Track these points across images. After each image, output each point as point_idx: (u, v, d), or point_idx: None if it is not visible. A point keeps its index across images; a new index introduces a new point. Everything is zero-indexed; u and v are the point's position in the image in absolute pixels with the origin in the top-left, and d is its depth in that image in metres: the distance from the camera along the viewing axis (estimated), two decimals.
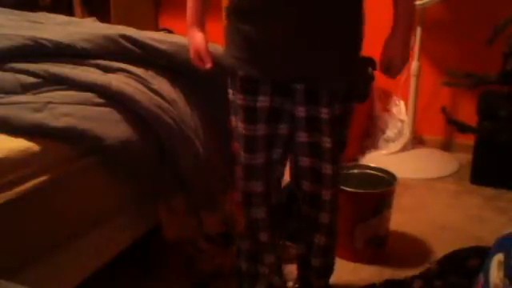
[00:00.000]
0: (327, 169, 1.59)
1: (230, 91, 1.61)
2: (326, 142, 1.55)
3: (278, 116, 1.57)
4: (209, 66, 1.64)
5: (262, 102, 1.53)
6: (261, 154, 1.59)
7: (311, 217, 1.68)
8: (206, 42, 1.65)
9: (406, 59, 1.58)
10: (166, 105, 1.75)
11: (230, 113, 1.64)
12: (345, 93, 1.56)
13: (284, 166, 1.69)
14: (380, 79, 3.06)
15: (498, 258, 1.43)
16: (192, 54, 1.68)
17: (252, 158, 1.59)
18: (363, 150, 3.14)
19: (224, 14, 1.61)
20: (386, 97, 3.25)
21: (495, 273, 1.41)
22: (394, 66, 1.58)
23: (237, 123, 1.61)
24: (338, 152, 1.61)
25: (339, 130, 1.58)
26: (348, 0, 1.50)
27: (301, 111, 1.54)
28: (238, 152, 1.63)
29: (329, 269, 1.80)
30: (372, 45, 1.67)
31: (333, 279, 1.98)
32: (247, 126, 1.57)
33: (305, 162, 1.61)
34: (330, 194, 1.63)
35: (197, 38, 1.65)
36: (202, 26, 1.67)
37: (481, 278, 1.50)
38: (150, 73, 1.84)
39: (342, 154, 1.65)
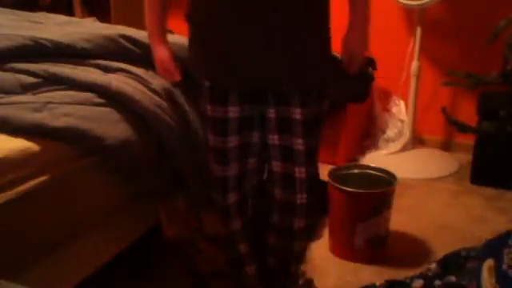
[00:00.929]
0: (301, 172, 1.54)
1: (200, 101, 1.57)
2: (299, 145, 1.51)
3: (249, 124, 1.54)
4: (177, 79, 1.59)
5: (233, 112, 1.50)
6: (233, 166, 1.56)
7: (285, 224, 1.63)
8: (171, 53, 1.58)
9: (364, 53, 1.58)
10: (165, 105, 1.75)
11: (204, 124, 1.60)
12: (317, 93, 1.52)
13: (261, 173, 1.66)
14: (380, 79, 3.07)
15: (489, 263, 1.42)
16: (157, 68, 1.61)
17: (224, 170, 1.56)
18: (363, 150, 3.14)
19: (187, 21, 1.54)
20: (386, 97, 3.25)
21: (487, 278, 1.40)
22: (355, 61, 1.56)
23: (206, 134, 1.58)
24: (312, 154, 1.56)
25: (312, 132, 1.54)
26: (315, 1, 1.47)
27: (272, 113, 1.51)
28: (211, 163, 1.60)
29: (299, 271, 1.78)
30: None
31: (333, 279, 1.98)
32: (217, 138, 1.53)
33: (277, 166, 1.57)
34: (306, 199, 1.58)
35: (160, 51, 1.57)
36: (163, 34, 1.58)
37: (473, 283, 1.50)
38: (150, 73, 1.84)
39: (316, 157, 1.59)
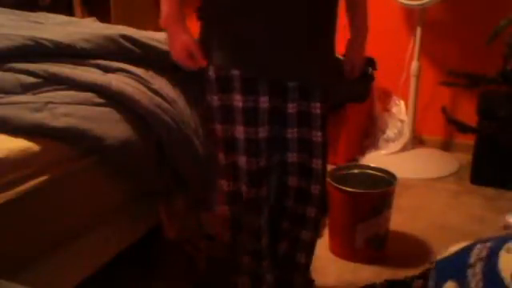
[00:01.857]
0: (317, 164, 1.60)
1: (218, 95, 1.52)
2: (318, 137, 1.57)
3: (276, 116, 1.56)
4: (203, 64, 1.52)
5: (264, 102, 1.51)
6: (263, 157, 1.56)
7: (298, 212, 1.66)
8: (194, 39, 1.52)
9: (364, 59, 1.73)
10: (165, 105, 1.75)
11: (212, 120, 1.55)
12: (327, 92, 1.60)
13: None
14: (380, 79, 3.07)
15: (450, 286, 1.26)
16: (179, 53, 1.51)
17: (256, 162, 1.54)
18: (363, 150, 3.14)
19: (201, 15, 1.53)
20: (386, 97, 3.25)
21: None
22: (357, 68, 1.69)
23: (229, 129, 1.53)
24: (327, 147, 1.63)
25: (326, 126, 1.61)
26: (332, 1, 1.54)
27: (292, 108, 1.55)
28: (230, 162, 1.56)
29: (310, 263, 1.78)
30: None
31: (333, 279, 1.98)
32: (249, 129, 1.52)
33: (293, 157, 1.60)
34: (319, 190, 1.62)
35: (183, 35, 1.49)
36: (184, 19, 1.50)
37: None
38: (150, 73, 1.84)
39: (328, 150, 1.65)
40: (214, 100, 1.53)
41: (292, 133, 1.58)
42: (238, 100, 1.50)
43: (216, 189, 1.61)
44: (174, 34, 1.50)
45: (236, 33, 1.48)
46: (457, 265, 1.28)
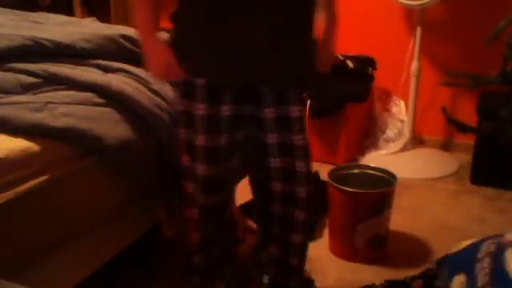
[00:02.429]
0: (301, 167, 1.58)
1: (182, 101, 1.53)
2: (299, 140, 1.56)
3: (238, 123, 1.55)
4: (182, 77, 1.49)
5: (226, 111, 1.49)
6: (222, 165, 1.56)
7: (286, 216, 1.64)
8: (171, 53, 1.49)
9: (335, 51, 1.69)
10: (165, 105, 1.75)
11: (179, 124, 1.56)
12: (304, 93, 1.60)
13: (240, 172, 1.67)
14: (380, 79, 3.07)
15: (460, 279, 1.33)
16: (157, 68, 1.49)
17: (213, 169, 1.55)
18: (363, 150, 3.14)
19: (172, 20, 1.51)
20: (386, 97, 3.25)
21: None
22: (329, 62, 1.65)
23: (191, 135, 1.53)
24: (309, 149, 1.61)
25: (305, 128, 1.60)
26: (309, 3, 1.52)
27: (270, 112, 1.53)
28: (190, 166, 1.57)
29: (304, 265, 1.78)
30: None
31: (333, 279, 1.98)
32: (209, 137, 1.51)
33: (276, 162, 1.58)
34: (306, 192, 1.61)
35: (161, 50, 1.47)
36: (158, 32, 1.48)
37: None
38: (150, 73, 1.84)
39: (310, 151, 1.63)
40: (179, 104, 1.54)
41: (272, 138, 1.56)
42: (200, 108, 1.49)
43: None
44: (151, 47, 1.47)
45: (205, 40, 1.45)
46: (466, 259, 1.34)
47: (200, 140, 1.52)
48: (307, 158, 1.60)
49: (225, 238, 1.70)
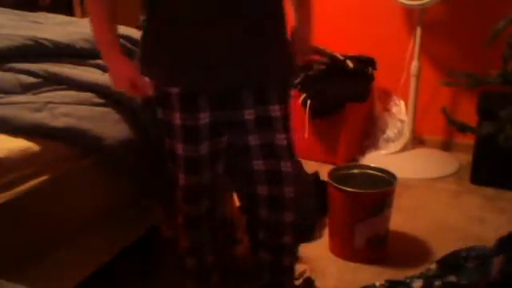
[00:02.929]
0: (287, 166, 1.55)
1: (159, 110, 1.51)
2: (282, 140, 1.53)
3: (218, 130, 1.52)
4: (149, 92, 1.47)
5: (204, 118, 1.47)
6: (205, 173, 1.54)
7: (274, 220, 1.61)
8: (135, 66, 1.46)
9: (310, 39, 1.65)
10: None
11: (163, 133, 1.54)
12: (289, 88, 1.58)
13: (228, 176, 1.64)
14: (380, 79, 3.07)
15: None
16: (121, 83, 1.45)
17: (193, 179, 1.53)
18: (363, 150, 3.14)
19: (141, 30, 1.48)
20: (386, 97, 3.25)
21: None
22: (305, 52, 1.63)
23: (172, 144, 1.52)
24: (293, 147, 1.58)
25: (289, 126, 1.56)
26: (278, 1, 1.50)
27: (249, 114, 1.50)
28: (176, 174, 1.56)
29: (295, 264, 1.78)
30: None
31: (333, 279, 1.98)
32: (188, 147, 1.49)
33: (260, 165, 1.55)
34: (293, 192, 1.58)
35: (124, 65, 1.43)
36: (118, 45, 1.44)
37: (481, 279, 1.42)
38: None
39: (295, 150, 1.60)
40: (158, 113, 1.52)
41: (254, 140, 1.53)
42: (177, 118, 1.47)
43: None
44: (113, 62, 1.45)
45: (174, 46, 1.42)
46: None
47: (179, 149, 1.50)
48: (292, 156, 1.57)
49: (217, 241, 1.68)
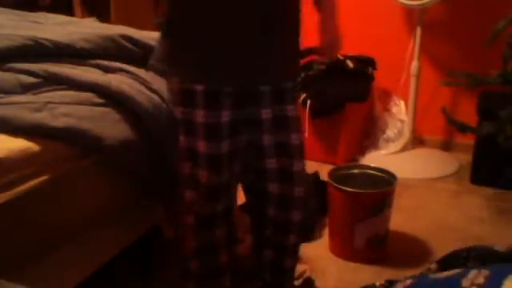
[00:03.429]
0: (298, 166, 1.58)
1: (180, 109, 1.52)
2: (296, 139, 1.56)
3: (238, 129, 1.53)
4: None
5: (225, 116, 1.48)
6: (225, 172, 1.54)
7: (282, 218, 1.62)
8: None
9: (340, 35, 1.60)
10: (165, 105, 1.75)
11: (179, 132, 1.54)
12: (296, 92, 1.61)
13: (242, 175, 1.65)
14: (380, 79, 3.07)
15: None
16: None
17: (216, 176, 1.53)
18: (363, 150, 3.14)
19: (162, 28, 1.50)
20: (386, 97, 3.25)
21: None
22: (336, 46, 1.60)
23: (192, 143, 1.52)
24: (304, 148, 1.60)
25: (301, 127, 1.60)
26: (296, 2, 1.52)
27: (267, 113, 1.52)
28: (192, 173, 1.54)
29: (296, 265, 1.78)
30: None
31: (333, 279, 1.98)
32: (210, 145, 1.50)
33: (272, 163, 1.57)
34: (303, 192, 1.60)
35: None
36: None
37: None
38: (150, 73, 1.83)
39: (305, 151, 1.62)
40: (178, 112, 1.52)
41: (268, 139, 1.55)
42: (200, 115, 1.48)
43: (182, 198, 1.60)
44: None
45: (198, 45, 1.45)
46: None
47: (202, 147, 1.50)
48: (303, 157, 1.60)
49: (231, 241, 1.68)
